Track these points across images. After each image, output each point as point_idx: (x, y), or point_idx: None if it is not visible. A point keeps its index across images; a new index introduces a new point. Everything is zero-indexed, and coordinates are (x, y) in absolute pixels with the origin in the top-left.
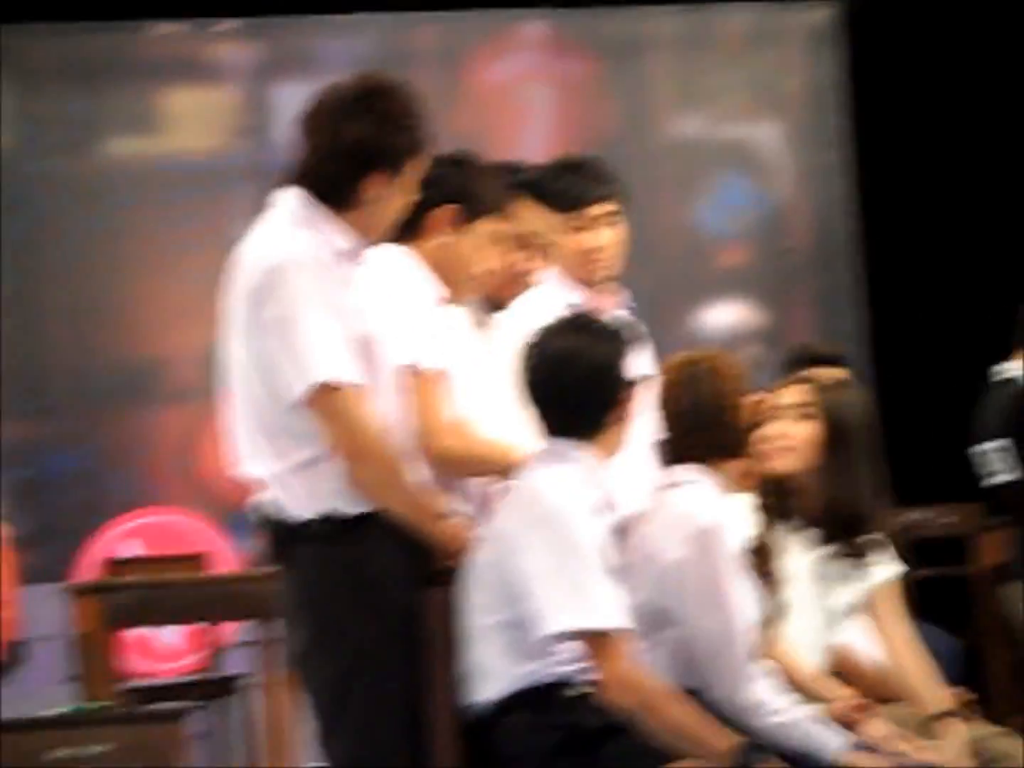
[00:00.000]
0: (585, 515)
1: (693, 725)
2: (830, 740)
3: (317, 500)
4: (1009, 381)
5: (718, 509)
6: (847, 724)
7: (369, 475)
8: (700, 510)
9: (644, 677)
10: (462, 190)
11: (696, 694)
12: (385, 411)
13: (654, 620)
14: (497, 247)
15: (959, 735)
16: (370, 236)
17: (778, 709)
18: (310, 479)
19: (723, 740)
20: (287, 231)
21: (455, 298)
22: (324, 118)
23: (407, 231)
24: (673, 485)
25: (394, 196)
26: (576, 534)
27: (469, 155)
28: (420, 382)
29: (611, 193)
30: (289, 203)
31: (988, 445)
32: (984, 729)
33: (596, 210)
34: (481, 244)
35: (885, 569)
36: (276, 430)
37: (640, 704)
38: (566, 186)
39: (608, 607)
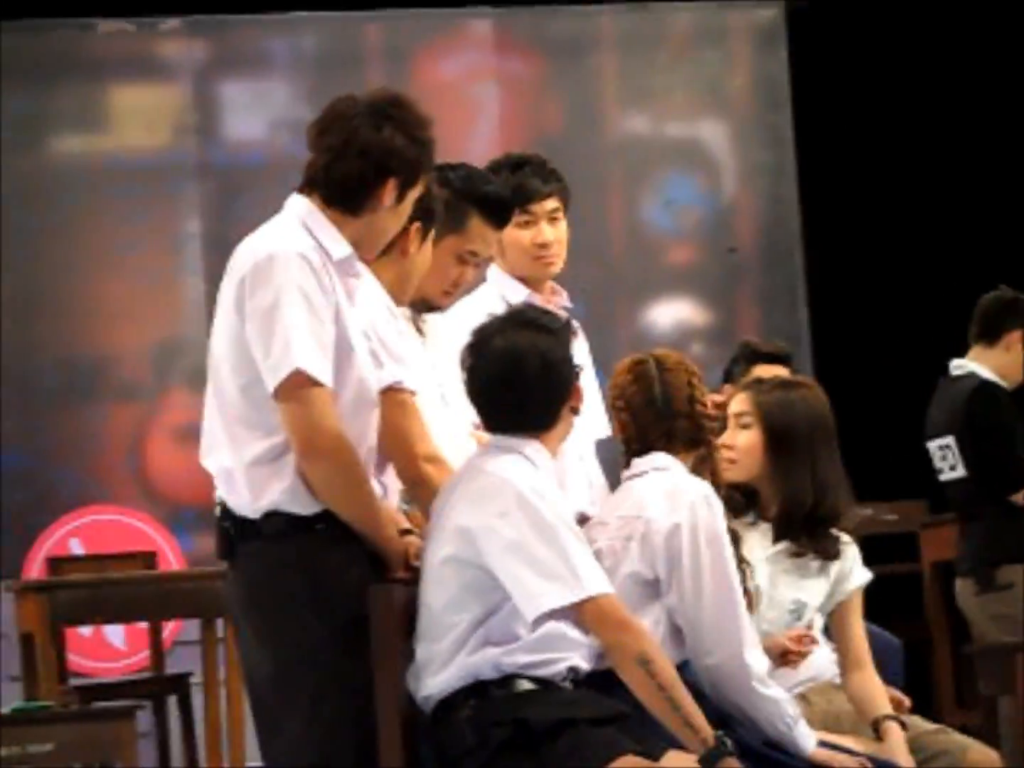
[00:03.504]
0: (550, 494)
1: (685, 695)
2: (805, 734)
3: (267, 497)
4: (963, 377)
5: (702, 482)
6: (785, 660)
7: (324, 474)
8: (686, 483)
9: (645, 629)
10: (429, 208)
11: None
12: (348, 423)
13: (640, 594)
14: (462, 265)
15: (898, 737)
16: (364, 251)
17: (771, 683)
18: (261, 475)
19: (705, 723)
20: (285, 229)
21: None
22: (341, 120)
23: None
24: (641, 474)
25: (397, 212)
26: (546, 512)
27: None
28: (406, 403)
29: (554, 191)
30: (294, 208)
31: (934, 442)
32: (922, 727)
33: (539, 207)
34: (446, 261)
35: (853, 577)
36: (235, 421)
37: (644, 654)
38: (509, 183)
39: (593, 575)
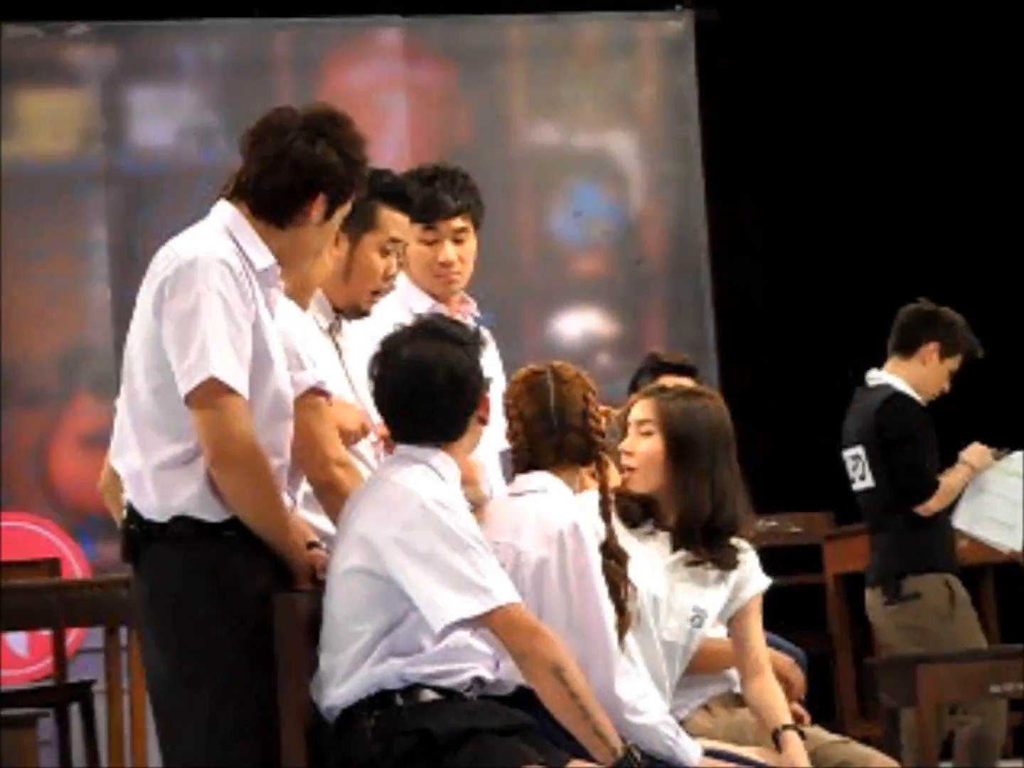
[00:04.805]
0: (456, 505)
1: (596, 705)
2: (688, 748)
3: (175, 501)
4: (878, 388)
5: (574, 510)
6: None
7: (235, 482)
8: (557, 511)
9: (556, 637)
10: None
11: None
12: (262, 434)
13: None
14: (387, 257)
15: (797, 747)
16: (287, 264)
17: (644, 711)
18: (170, 479)
19: (615, 734)
20: (209, 234)
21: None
22: (274, 132)
23: None
24: (520, 494)
25: (323, 229)
26: (451, 523)
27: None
28: (320, 406)
29: (462, 208)
30: (221, 215)
31: (847, 452)
32: (825, 738)
33: (444, 225)
34: (371, 259)
35: (751, 584)
36: (146, 424)
37: (557, 662)
38: (418, 197)
39: (501, 584)
